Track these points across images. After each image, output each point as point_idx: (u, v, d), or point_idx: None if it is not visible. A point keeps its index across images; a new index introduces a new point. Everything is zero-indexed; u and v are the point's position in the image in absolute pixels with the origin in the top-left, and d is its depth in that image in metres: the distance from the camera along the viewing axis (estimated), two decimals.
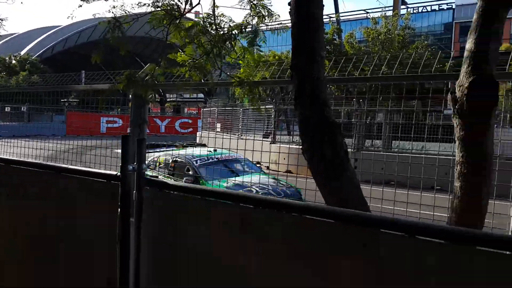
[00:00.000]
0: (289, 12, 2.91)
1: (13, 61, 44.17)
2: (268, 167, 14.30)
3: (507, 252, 1.41)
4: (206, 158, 9.19)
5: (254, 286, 1.88)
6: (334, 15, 31.00)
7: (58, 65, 46.47)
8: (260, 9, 4.54)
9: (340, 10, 33.34)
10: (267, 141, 16.64)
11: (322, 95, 2.79)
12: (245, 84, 4.70)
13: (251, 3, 4.51)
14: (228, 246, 1.99)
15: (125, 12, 4.01)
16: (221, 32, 4.51)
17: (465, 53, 2.51)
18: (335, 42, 24.67)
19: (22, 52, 47.77)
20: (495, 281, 1.43)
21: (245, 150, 5.92)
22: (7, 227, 2.95)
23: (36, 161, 2.91)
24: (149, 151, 9.37)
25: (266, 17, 4.55)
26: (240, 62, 5.28)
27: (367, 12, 47.69)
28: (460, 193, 2.52)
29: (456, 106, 2.46)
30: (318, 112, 2.74)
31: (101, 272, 2.37)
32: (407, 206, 4.25)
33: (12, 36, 58.57)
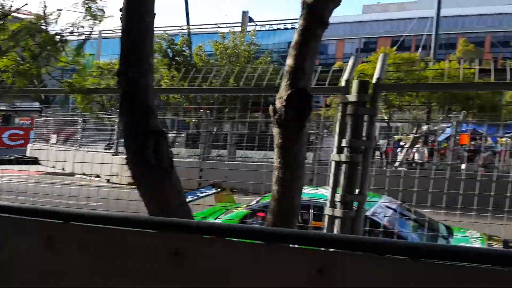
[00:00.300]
0: (120, 18, 2.80)
1: None
2: (108, 180, 13.61)
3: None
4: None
5: None
6: (185, 27, 31.26)
7: None
8: (95, 11, 4.34)
9: (192, 22, 33.79)
10: (109, 152, 15.85)
11: (149, 103, 2.74)
12: (76, 91, 4.42)
13: (86, 5, 4.28)
14: (33, 265, 1.81)
15: None
16: (52, 33, 4.17)
17: (286, 68, 2.73)
18: (185, 53, 24.86)
19: None
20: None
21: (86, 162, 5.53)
22: None
23: None
24: None
25: (100, 19, 4.36)
26: (78, 66, 4.93)
27: (218, 27, 49.27)
28: (277, 196, 2.71)
29: (276, 116, 2.66)
30: (145, 120, 2.69)
31: None
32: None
33: None
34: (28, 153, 21.08)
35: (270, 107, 2.75)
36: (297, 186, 2.76)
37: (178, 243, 1.69)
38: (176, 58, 24.57)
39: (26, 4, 4.21)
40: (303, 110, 2.66)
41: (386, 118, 17.27)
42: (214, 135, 17.22)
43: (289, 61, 2.73)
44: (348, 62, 3.43)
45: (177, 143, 17.72)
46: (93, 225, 1.75)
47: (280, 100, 2.67)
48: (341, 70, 4.41)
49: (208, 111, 15.98)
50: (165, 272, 1.71)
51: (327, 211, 3.08)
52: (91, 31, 4.52)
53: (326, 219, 3.08)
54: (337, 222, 3.01)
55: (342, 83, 3.27)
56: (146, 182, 2.71)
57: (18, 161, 8.61)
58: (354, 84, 3.06)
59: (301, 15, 2.72)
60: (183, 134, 20.79)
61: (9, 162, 8.56)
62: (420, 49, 36.23)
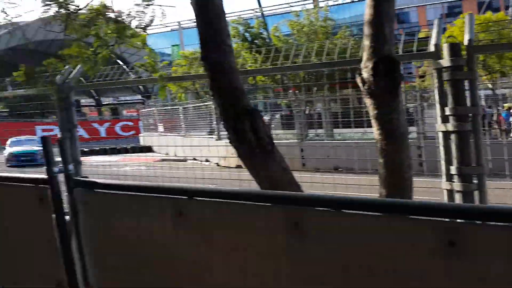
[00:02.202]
0: (191, 3, 2.90)
1: None
2: (217, 164, 14.25)
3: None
4: None
5: (196, 273, 1.90)
6: (258, 9, 31.29)
7: None
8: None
9: (264, 4, 33.70)
10: (212, 137, 16.55)
11: (236, 84, 2.82)
12: (167, 79, 4.60)
13: None
14: (168, 238, 1.99)
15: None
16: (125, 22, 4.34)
17: (364, 37, 2.66)
18: (262, 36, 24.97)
19: None
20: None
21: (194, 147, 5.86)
22: None
23: None
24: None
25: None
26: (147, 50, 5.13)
27: (290, 6, 48.55)
28: (384, 168, 2.67)
29: (365, 87, 2.61)
30: (235, 101, 2.78)
31: (50, 277, 2.30)
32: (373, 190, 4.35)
33: None
34: (141, 142, 22.69)
35: (358, 77, 2.69)
36: (403, 157, 2.68)
37: (297, 216, 1.75)
38: (255, 41, 24.76)
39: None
40: (393, 77, 2.57)
41: (489, 85, 15.85)
42: (308, 115, 17.15)
43: (367, 29, 2.65)
44: (433, 28, 3.23)
45: (273, 125, 17.95)
46: (218, 200, 1.87)
47: (366, 69, 2.61)
48: (427, 38, 4.13)
49: (297, 91, 15.91)
50: (288, 245, 1.78)
51: (444, 185, 2.95)
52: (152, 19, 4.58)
53: (445, 193, 2.95)
54: (457, 196, 2.87)
55: (431, 48, 3.08)
56: (250, 161, 2.81)
57: (134, 149, 9.38)
58: (445, 48, 2.88)
59: None
60: (277, 116, 20.99)
61: (126, 151, 9.36)
62: (510, 9, 32.41)
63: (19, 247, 2.40)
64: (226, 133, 2.95)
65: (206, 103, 18.71)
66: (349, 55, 4.15)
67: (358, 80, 2.66)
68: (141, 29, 4.26)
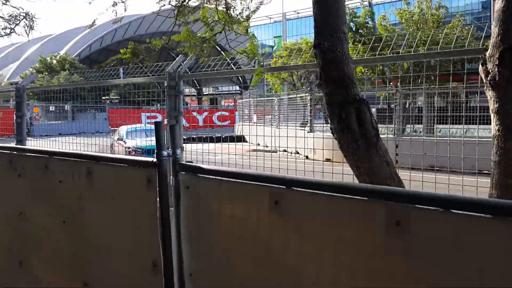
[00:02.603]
0: None
1: (54, 61, 45.83)
2: (307, 156, 14.25)
3: None
4: None
5: (289, 263, 1.92)
6: None
7: (96, 63, 47.97)
8: None
9: None
10: (303, 130, 16.55)
11: (347, 72, 2.76)
12: (262, 71, 4.64)
13: None
14: (263, 227, 2.02)
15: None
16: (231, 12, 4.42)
17: (493, 23, 2.43)
18: (368, 25, 24.20)
19: (61, 52, 49.49)
20: None
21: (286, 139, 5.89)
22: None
23: (78, 152, 3.04)
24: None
25: None
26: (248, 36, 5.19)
27: None
28: (498, 168, 2.45)
29: (488, 78, 2.39)
30: (344, 89, 2.71)
31: (146, 256, 2.46)
32: (462, 191, 4.10)
33: (50, 37, 60.86)
34: (236, 132, 23.45)
35: (480, 67, 2.47)
36: None
37: (398, 213, 1.68)
38: (360, 31, 24.07)
39: None
40: None
41: None
42: (408, 110, 16.37)
43: (497, 15, 2.41)
44: None
45: None
46: (314, 191, 1.86)
47: (492, 58, 2.38)
48: None
49: (398, 84, 15.23)
50: (384, 242, 1.71)
51: None
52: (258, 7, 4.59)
53: None
54: None
55: None
56: (352, 152, 2.74)
57: (228, 139, 9.69)
58: None
59: None
60: (374, 109, 20.35)
61: (220, 140, 9.71)
62: None
63: (124, 225, 2.59)
64: (318, 125, 2.91)
65: (301, 95, 18.73)
66: (466, 45, 3.86)
67: (481, 70, 2.46)
68: (246, 17, 4.36)
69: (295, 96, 19.46)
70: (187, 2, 4.12)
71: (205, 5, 4.28)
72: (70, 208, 2.96)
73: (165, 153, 2.21)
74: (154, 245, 2.31)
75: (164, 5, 4.18)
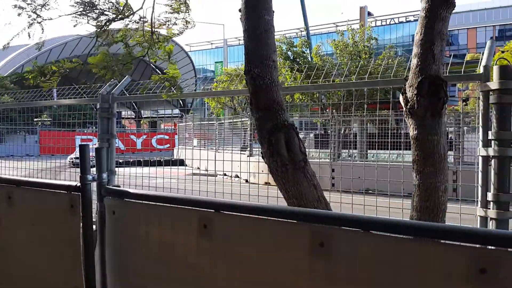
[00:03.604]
0: (240, 19, 2.96)
1: None
2: (247, 180, 14.29)
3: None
4: None
5: (216, 285, 1.90)
6: (303, 28, 31.78)
7: (29, 84, 45.65)
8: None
9: (310, 23, 34.23)
10: (244, 153, 16.65)
11: (277, 99, 2.83)
12: (210, 94, 4.67)
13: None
14: (191, 250, 2.00)
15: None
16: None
17: (412, 55, 2.61)
18: (305, 54, 25.20)
19: None
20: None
21: (223, 163, 5.88)
22: None
23: None
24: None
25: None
26: (170, 68, 5.19)
27: (336, 26, 48.80)
28: (418, 191, 2.59)
29: (408, 106, 2.56)
30: (273, 115, 2.78)
31: (69, 284, 2.33)
32: (389, 212, 4.27)
33: None
34: (175, 155, 23.10)
35: (401, 96, 2.64)
36: (440, 180, 2.60)
37: (322, 235, 1.72)
38: (297, 59, 24.98)
39: (140, 8, 4.49)
40: (438, 97, 2.51)
41: None
42: (343, 135, 17.01)
43: (416, 48, 2.60)
44: (484, 50, 3.14)
45: (306, 144, 17.90)
46: (242, 214, 1.87)
47: (411, 88, 2.56)
48: (474, 61, 4.02)
49: (334, 111, 15.84)
50: (308, 263, 1.75)
51: (479, 211, 2.84)
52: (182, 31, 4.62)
53: (478, 220, 2.84)
54: (490, 224, 2.76)
55: (481, 69, 2.99)
56: (281, 176, 2.79)
57: (167, 162, 9.54)
58: (495, 70, 2.78)
59: None
60: (312, 135, 20.95)
61: (159, 163, 9.53)
62: None
63: (45, 251, 2.45)
64: (257, 149, 2.96)
65: (241, 119, 18.92)
66: (392, 75, 4.10)
67: (401, 99, 2.62)
68: (171, 36, 4.34)
69: (235, 120, 19.63)
70: (108, 25, 4.06)
71: (129, 27, 4.23)
72: None
73: (89, 177, 2.13)
74: (77, 273, 2.20)
75: (77, 24, 4.06)
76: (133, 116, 57.81)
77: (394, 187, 4.49)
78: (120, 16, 4.04)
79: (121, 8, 4.05)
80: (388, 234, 1.61)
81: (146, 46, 4.13)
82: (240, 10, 2.97)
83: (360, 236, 1.65)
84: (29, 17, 4.00)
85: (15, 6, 4.02)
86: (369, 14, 52.65)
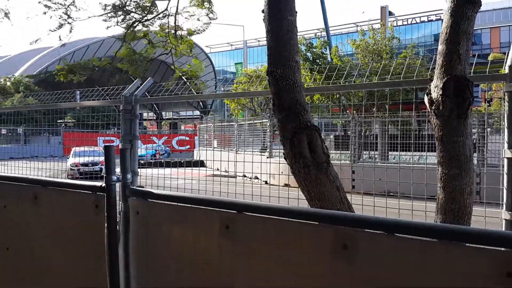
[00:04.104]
0: (263, 19, 2.97)
1: (8, 83, 44.25)
2: (266, 181, 14.30)
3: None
4: None
5: (238, 287, 1.90)
6: (322, 29, 31.63)
7: (52, 85, 46.64)
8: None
9: (330, 24, 34.07)
10: (263, 155, 16.65)
11: (299, 99, 2.83)
12: (230, 95, 4.68)
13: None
14: (213, 251, 2.01)
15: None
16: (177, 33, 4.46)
17: (438, 55, 2.57)
18: (324, 55, 25.05)
19: (16, 74, 47.90)
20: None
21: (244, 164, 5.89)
22: None
23: (23, 176, 2.92)
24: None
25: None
26: (195, 61, 5.23)
27: (357, 25, 48.44)
28: (443, 194, 2.55)
29: (433, 107, 2.52)
30: (296, 116, 2.78)
31: (93, 283, 2.38)
32: (412, 215, 4.22)
33: (5, 58, 58.99)
34: (195, 157, 23.26)
35: (426, 97, 2.60)
36: (465, 182, 2.55)
37: (346, 237, 1.71)
38: (317, 61, 24.87)
39: (165, 10, 4.55)
40: (464, 97, 2.46)
41: None
42: (364, 136, 16.85)
43: (441, 47, 2.56)
44: (509, 49, 3.07)
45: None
46: (265, 216, 1.87)
47: (436, 89, 2.52)
48: (498, 62, 3.93)
49: (354, 112, 15.71)
50: (332, 265, 1.74)
51: (504, 215, 2.77)
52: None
53: (504, 223, 2.78)
54: None
55: (506, 69, 2.93)
56: (304, 177, 2.78)
57: (187, 163, 9.63)
58: None
59: None
60: (331, 136, 20.82)
61: (180, 164, 9.62)
62: None
63: (70, 250, 2.49)
64: (277, 151, 2.96)
65: (261, 121, 18.95)
66: (415, 75, 4.05)
67: (426, 99, 2.58)
68: (192, 34, 4.40)
69: (255, 121, 19.66)
70: (135, 26, 4.13)
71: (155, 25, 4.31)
72: (15, 234, 2.82)
73: (114, 177, 2.16)
74: (101, 272, 2.24)
75: (110, 26, 4.16)
76: (154, 118, 58.49)
77: (416, 189, 4.42)
78: (146, 15, 4.11)
79: (148, 6, 4.11)
80: (413, 237, 1.60)
81: (169, 44, 4.19)
82: (263, 11, 2.98)
83: (385, 238, 1.64)
84: (60, 17, 4.11)
85: (46, 6, 4.12)
86: (390, 13, 52.09)
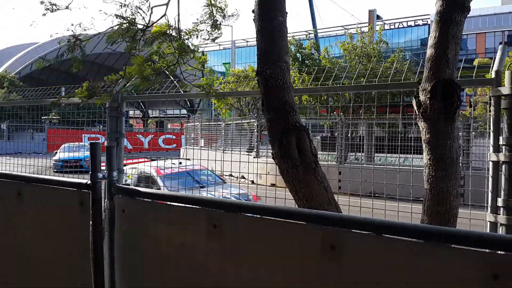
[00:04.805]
0: (253, 19, 2.96)
1: None
2: (253, 181, 14.30)
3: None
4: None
5: (225, 286, 1.89)
6: (311, 30, 31.80)
7: (37, 81, 45.96)
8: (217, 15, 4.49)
9: (319, 26, 34.25)
10: (250, 155, 16.65)
11: (288, 100, 2.82)
12: (209, 94, 4.66)
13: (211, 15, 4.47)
14: (200, 250, 1.99)
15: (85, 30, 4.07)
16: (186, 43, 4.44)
17: (426, 59, 2.60)
18: (314, 56, 25.19)
19: (0, 70, 47.16)
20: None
21: (231, 164, 5.86)
22: None
23: (7, 172, 2.86)
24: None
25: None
26: (206, 71, 5.26)
27: (345, 28, 48.77)
28: (429, 196, 2.57)
29: (421, 110, 2.54)
30: (285, 116, 2.77)
31: (77, 281, 2.34)
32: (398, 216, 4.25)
33: None
34: (181, 156, 23.16)
35: (414, 100, 2.62)
36: (452, 185, 2.58)
37: (333, 237, 1.71)
38: (306, 61, 24.99)
39: (164, 15, 4.54)
40: (451, 101, 2.49)
41: None
42: (351, 138, 16.95)
43: (430, 51, 2.59)
44: (495, 55, 3.12)
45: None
46: (252, 215, 1.86)
47: (424, 92, 2.54)
48: (484, 67, 3.98)
49: (341, 113, 15.81)
50: (319, 266, 1.74)
51: (488, 217, 2.81)
52: (215, 38, 4.69)
53: (488, 225, 2.81)
54: (500, 230, 2.73)
55: (492, 74, 2.97)
56: (292, 177, 2.78)
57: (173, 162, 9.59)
58: (507, 75, 2.76)
59: (437, 1, 2.57)
60: (318, 137, 20.90)
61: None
62: None
63: (54, 248, 2.45)
64: (264, 151, 2.96)
65: (248, 121, 18.94)
66: (402, 79, 4.07)
67: (414, 102, 2.60)
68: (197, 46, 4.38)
69: (242, 121, 19.65)
70: (141, 36, 4.09)
71: (162, 36, 4.26)
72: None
73: (100, 175, 2.13)
74: (86, 271, 2.20)
75: (114, 40, 4.11)
76: (141, 116, 58.09)
77: (401, 190, 4.46)
78: (147, 24, 4.07)
79: (148, 13, 4.08)
80: (400, 238, 1.60)
81: (176, 56, 4.16)
82: (253, 11, 2.97)
83: (372, 239, 1.64)
84: (68, 41, 4.10)
85: (47, 9, 4.07)
86: (378, 17, 52.55)
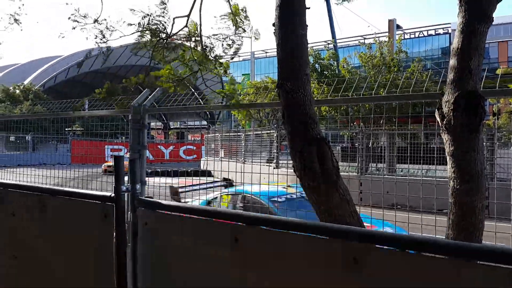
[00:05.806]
0: (274, 33, 2.97)
1: (17, 91, 44.78)
2: None
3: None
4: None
5: None
6: (330, 41, 31.75)
7: (61, 94, 47.10)
8: (242, 26, 4.54)
9: (337, 36, 34.18)
10: (270, 165, 16.62)
11: (309, 112, 2.82)
12: (230, 106, 4.68)
13: (235, 23, 4.53)
14: (222, 263, 1.99)
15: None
16: (209, 54, 4.50)
17: (449, 70, 2.56)
18: (332, 67, 25.14)
19: (25, 82, 48.44)
20: None
21: (251, 175, 5.84)
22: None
23: (31, 185, 2.93)
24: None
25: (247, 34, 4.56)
26: (228, 77, 5.29)
27: (364, 38, 48.58)
28: (454, 209, 2.52)
29: (444, 122, 2.50)
30: (305, 128, 2.77)
31: None
32: (421, 229, 4.17)
33: (15, 67, 59.76)
34: (202, 166, 23.27)
35: (437, 112, 2.58)
36: (477, 198, 2.52)
37: (356, 252, 1.69)
38: (324, 72, 24.95)
39: (185, 26, 4.61)
40: (475, 113, 2.44)
41: None
42: (371, 149, 16.78)
43: (453, 62, 2.54)
44: None
45: None
46: (274, 229, 1.85)
47: (447, 104, 2.50)
48: (507, 75, 3.90)
49: (362, 124, 15.68)
50: (341, 281, 1.71)
51: None
52: (238, 48, 4.73)
53: None
54: None
55: None
56: (313, 190, 2.76)
57: (195, 173, 9.58)
58: None
59: (459, 12, 2.53)
60: (338, 147, 20.76)
61: (187, 174, 9.59)
62: None
63: (77, 260, 2.48)
64: (284, 161, 2.95)
65: (268, 131, 18.95)
66: (424, 89, 4.03)
67: (437, 114, 2.56)
68: (218, 57, 4.44)
69: (262, 132, 19.68)
70: (165, 43, 4.16)
71: (185, 43, 4.33)
72: (23, 242, 2.82)
73: (123, 187, 2.15)
74: (109, 283, 2.22)
75: (141, 48, 4.20)
76: (162, 127, 58.76)
77: (424, 202, 4.39)
78: (168, 34, 4.15)
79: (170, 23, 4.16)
80: (425, 254, 1.57)
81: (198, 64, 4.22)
82: (273, 25, 2.98)
83: (396, 255, 1.61)
84: (95, 37, 4.20)
85: (75, 21, 4.19)
86: (398, 27, 52.20)
